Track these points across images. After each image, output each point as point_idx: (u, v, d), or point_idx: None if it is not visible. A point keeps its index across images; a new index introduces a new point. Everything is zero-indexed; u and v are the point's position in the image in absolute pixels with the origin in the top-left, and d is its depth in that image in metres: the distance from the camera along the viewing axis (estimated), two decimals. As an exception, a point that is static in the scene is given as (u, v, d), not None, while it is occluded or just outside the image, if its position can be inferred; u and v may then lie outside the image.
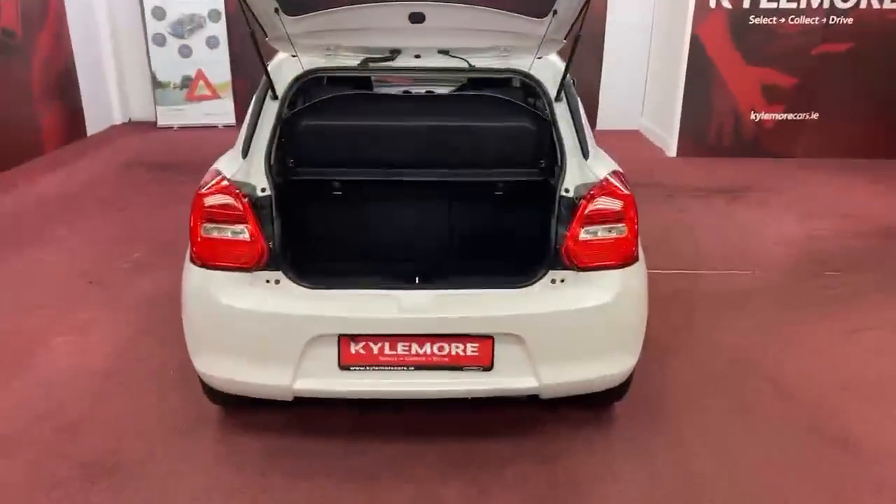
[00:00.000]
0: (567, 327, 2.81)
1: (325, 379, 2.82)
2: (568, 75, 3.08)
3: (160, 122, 9.59)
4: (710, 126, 8.21)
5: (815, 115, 8.14)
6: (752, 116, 8.17)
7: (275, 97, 3.05)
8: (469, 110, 3.17)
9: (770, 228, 5.95)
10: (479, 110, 3.16)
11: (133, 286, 4.68)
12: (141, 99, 9.86)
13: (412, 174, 3.18)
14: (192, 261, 2.81)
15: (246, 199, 2.78)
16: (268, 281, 2.81)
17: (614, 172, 2.98)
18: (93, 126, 9.20)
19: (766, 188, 7.06)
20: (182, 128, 9.55)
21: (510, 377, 2.83)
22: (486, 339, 2.79)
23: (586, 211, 2.79)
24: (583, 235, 2.78)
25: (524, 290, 2.82)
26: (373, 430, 3.18)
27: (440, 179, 3.22)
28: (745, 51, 7.91)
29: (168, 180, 7.21)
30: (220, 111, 9.57)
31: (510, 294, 2.82)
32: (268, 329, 2.77)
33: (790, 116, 8.16)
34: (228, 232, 2.76)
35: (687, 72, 8.02)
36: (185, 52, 9.40)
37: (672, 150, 8.35)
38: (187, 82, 9.51)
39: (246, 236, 2.75)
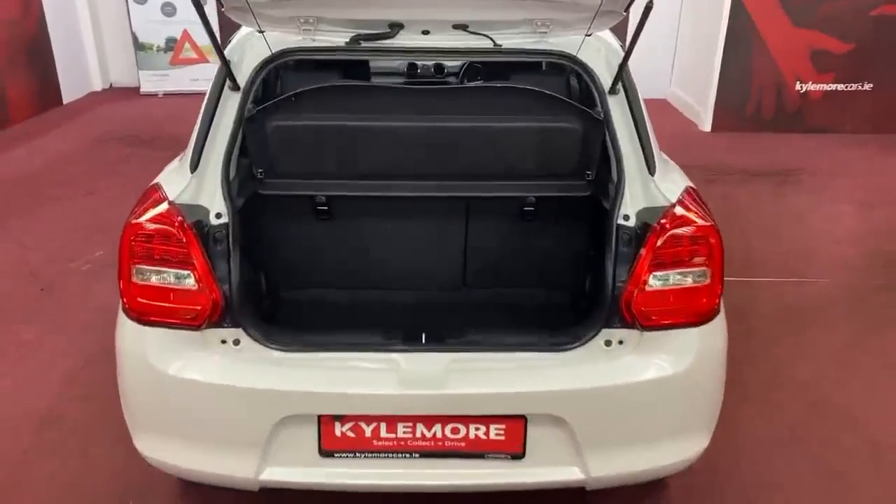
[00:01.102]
0: (625, 405, 2.10)
1: (301, 468, 2.13)
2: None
3: (143, 89, 8.77)
4: (749, 97, 7.37)
5: (868, 86, 7.28)
6: (798, 86, 7.32)
7: (235, 88, 2.29)
8: (493, 106, 2.39)
9: (829, 222, 5.18)
10: (506, 106, 2.38)
11: (89, 295, 3.98)
12: (122, 63, 9.01)
13: (418, 189, 2.44)
14: (125, 313, 2.09)
15: (194, 231, 2.04)
16: (224, 341, 2.09)
17: (688, 192, 2.23)
18: (69, 93, 8.39)
19: (817, 170, 6.26)
20: (167, 94, 8.73)
21: (547, 467, 2.14)
22: (517, 420, 2.08)
23: (656, 249, 2.04)
24: (652, 283, 2.05)
25: (569, 354, 2.10)
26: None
27: (454, 196, 2.48)
28: (792, 11, 7.02)
29: (147, 157, 6.44)
30: (209, 76, 8.63)
31: (550, 360, 2.10)
32: (223, 407, 2.07)
33: (841, 87, 7.30)
34: (169, 277, 2.03)
35: (725, 35, 7.15)
36: (169, 10, 8.52)
37: (706, 124, 7.52)
38: (172, 44, 8.65)
39: (192, 283, 2.02)
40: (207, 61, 8.69)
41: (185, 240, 2.02)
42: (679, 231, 2.06)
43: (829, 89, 7.31)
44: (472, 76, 2.99)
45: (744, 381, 3.24)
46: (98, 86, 9.01)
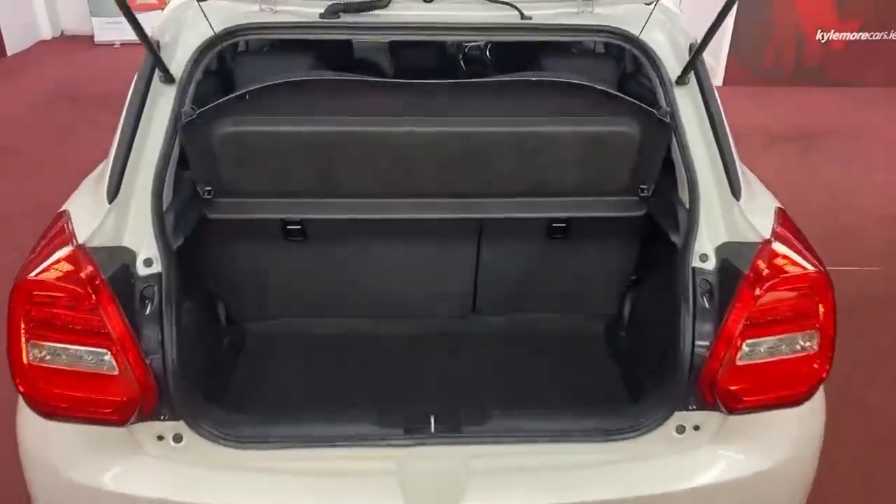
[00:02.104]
0: (702, 511, 1.58)
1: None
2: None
3: (98, 38, 7.93)
4: (765, 48, 6.73)
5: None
6: (819, 36, 6.69)
7: (168, 80, 1.67)
8: (521, 105, 1.75)
9: (867, 195, 4.64)
10: (538, 104, 1.76)
11: None
12: (74, 8, 8.14)
13: (419, 210, 1.86)
14: (26, 402, 1.51)
15: (111, 289, 1.45)
16: (160, 438, 1.53)
17: (782, 218, 1.67)
18: (14, 44, 7.54)
19: (843, 131, 5.70)
20: (125, 44, 7.89)
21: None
22: (560, 532, 1.56)
23: (752, 306, 1.49)
24: (745, 352, 1.50)
25: (629, 445, 1.56)
26: None
27: (467, 217, 1.90)
28: (815, -50, 6.36)
29: (101, 124, 5.69)
30: (171, 24, 7.88)
31: (603, 454, 1.56)
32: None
33: (866, 36, 6.68)
34: (79, 356, 1.45)
35: (741, -22, 6.47)
36: (123, -51, 7.62)
37: (717, 77, 6.88)
38: (128, -13, 7.78)
39: (110, 364, 1.44)
40: (168, 7, 7.84)
41: (97, 303, 1.43)
42: (782, 279, 1.51)
43: (853, 39, 6.69)
44: (493, 62, 2.34)
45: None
46: (47, 34, 8.15)
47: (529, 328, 2.27)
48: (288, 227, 1.98)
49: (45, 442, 1.53)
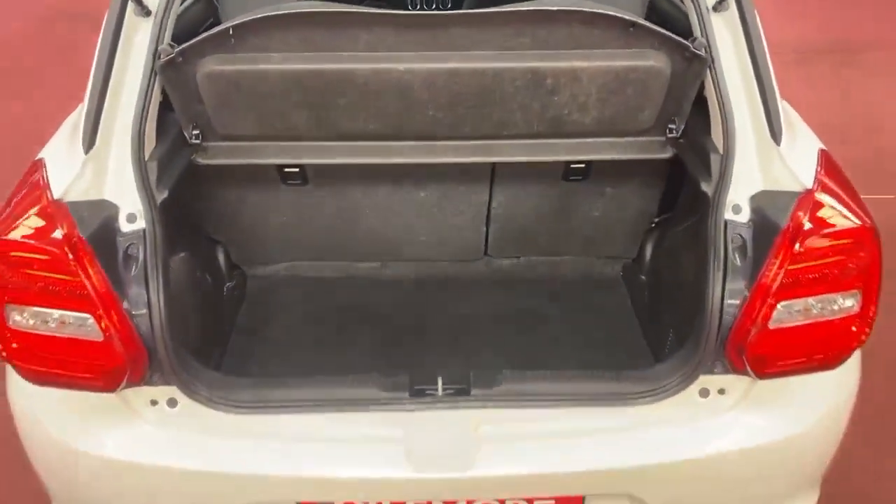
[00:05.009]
0: (724, 478, 1.50)
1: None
2: None
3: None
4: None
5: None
6: (863, -63, 6.19)
7: (144, 12, 1.50)
8: (535, 38, 1.55)
9: (905, 115, 4.38)
10: (554, 37, 1.55)
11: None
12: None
13: (427, 153, 1.71)
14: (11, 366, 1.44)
15: (92, 246, 1.35)
16: (154, 402, 1.46)
17: (826, 162, 1.51)
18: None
19: (887, 43, 5.32)
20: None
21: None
22: (572, 499, 1.49)
23: (790, 262, 1.35)
24: (779, 314, 1.37)
25: (648, 409, 1.46)
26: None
27: (478, 161, 1.75)
28: None
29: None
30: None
31: (622, 418, 1.47)
32: (160, 493, 1.47)
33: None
34: (60, 321, 1.36)
35: None
36: None
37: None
38: None
39: (93, 329, 1.35)
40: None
41: (76, 263, 1.33)
42: (824, 234, 1.37)
43: (900, -60, 6.20)
44: None
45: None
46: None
47: (542, 271, 2.16)
48: (285, 170, 1.85)
49: (38, 408, 1.46)
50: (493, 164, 1.90)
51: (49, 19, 5.97)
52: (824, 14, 5.83)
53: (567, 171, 1.89)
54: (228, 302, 2.02)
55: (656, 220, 2.04)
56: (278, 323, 2.00)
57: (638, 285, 2.06)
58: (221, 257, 2.05)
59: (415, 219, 2.05)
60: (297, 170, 1.84)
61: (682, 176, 1.77)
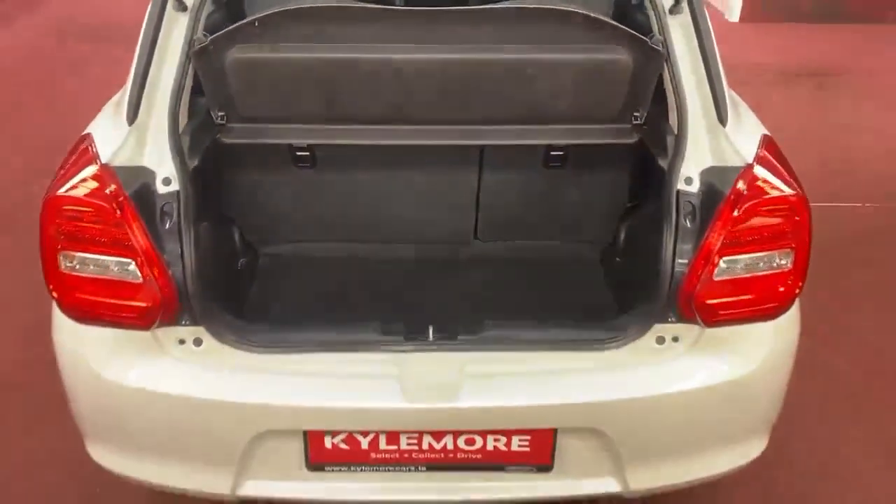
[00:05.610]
0: (678, 415, 1.72)
1: (286, 483, 1.78)
2: None
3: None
4: (784, -18, 6.62)
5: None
6: (840, -30, 6.56)
7: (181, 8, 1.75)
8: (518, 33, 1.82)
9: (874, 133, 4.65)
10: (535, 33, 1.82)
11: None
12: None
13: (422, 136, 1.94)
14: (60, 308, 1.66)
15: (134, 205, 1.58)
16: (182, 342, 1.68)
17: (767, 144, 1.75)
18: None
19: (860, 68, 5.66)
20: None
21: (579, 479, 1.79)
22: (545, 431, 1.71)
23: (730, 225, 1.59)
24: (722, 269, 1.61)
25: (611, 354, 1.69)
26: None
27: (467, 144, 1.99)
28: None
29: (114, 58, 5.79)
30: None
31: (588, 362, 1.69)
32: (185, 420, 1.69)
33: (888, -30, 6.54)
34: (106, 266, 1.58)
35: None
36: None
37: (734, 13, 6.81)
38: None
39: (134, 273, 1.58)
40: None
41: (122, 217, 1.56)
42: (760, 200, 1.60)
43: (875, -27, 6.57)
44: None
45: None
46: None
47: (528, 254, 2.38)
48: (297, 153, 2.09)
49: (80, 344, 1.67)
50: (482, 152, 2.14)
51: (62, 33, 6.27)
52: (805, 44, 6.18)
53: (547, 158, 2.13)
54: (242, 276, 2.24)
55: (629, 205, 2.28)
56: (286, 294, 2.22)
57: (614, 266, 2.28)
58: (236, 235, 2.27)
59: (411, 203, 2.28)
60: (307, 153, 2.08)
61: (649, 164, 2.01)
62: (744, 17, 6.75)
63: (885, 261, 3.39)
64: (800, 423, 2.44)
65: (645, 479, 1.78)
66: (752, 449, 1.86)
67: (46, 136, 4.35)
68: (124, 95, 1.75)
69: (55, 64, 5.64)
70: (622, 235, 2.28)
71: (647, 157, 1.97)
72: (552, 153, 2.12)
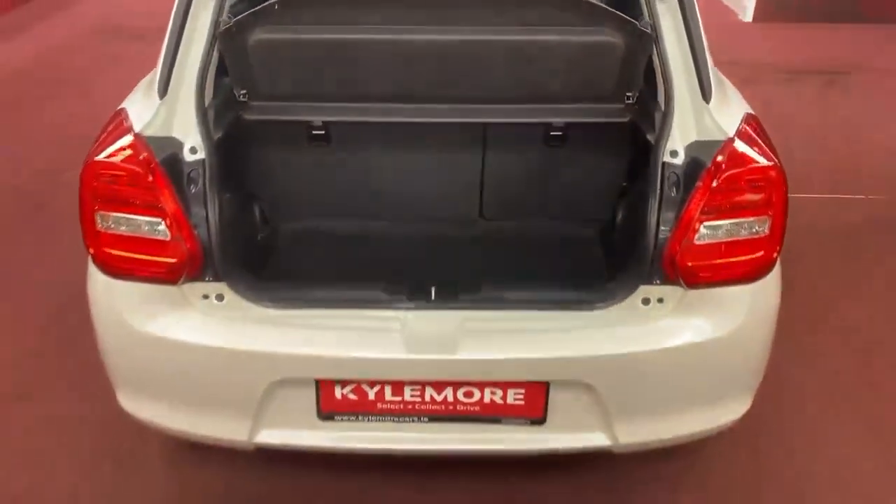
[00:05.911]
0: (663, 371, 1.85)
1: (298, 431, 1.94)
2: None
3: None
4: (798, -17, 6.69)
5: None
6: (854, -30, 6.63)
7: (208, -8, 1.92)
8: (518, 16, 1.98)
9: (882, 130, 4.73)
10: (533, 16, 1.97)
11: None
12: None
13: (429, 114, 2.09)
14: (94, 263, 1.83)
15: (164, 170, 1.74)
16: (205, 297, 1.84)
17: (749, 121, 1.88)
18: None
19: (870, 68, 5.72)
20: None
21: (570, 433, 1.93)
22: (538, 385, 1.85)
23: (710, 194, 1.72)
24: (702, 234, 1.73)
25: (601, 314, 1.82)
26: (376, 465, 2.32)
27: (470, 121, 2.13)
28: None
29: (147, 54, 6.02)
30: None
31: (578, 321, 1.83)
32: (207, 369, 1.85)
33: (902, -30, 6.60)
34: (138, 225, 1.75)
35: None
36: None
37: (747, 13, 6.89)
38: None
39: (164, 232, 1.74)
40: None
41: (153, 181, 1.72)
42: (738, 171, 1.73)
43: (888, -26, 6.62)
44: None
45: (784, 323, 2.98)
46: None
47: (531, 232, 2.51)
48: (313, 132, 2.24)
49: (113, 297, 1.84)
50: (485, 132, 2.28)
51: (98, 32, 6.51)
52: (814, 45, 6.26)
53: (547, 137, 2.27)
54: (262, 248, 2.40)
55: (624, 184, 2.41)
56: (301, 264, 2.37)
57: (610, 243, 2.41)
58: (257, 210, 2.43)
59: (420, 182, 2.43)
60: (322, 131, 2.24)
61: (643, 143, 2.14)
62: (757, 17, 6.83)
63: (891, 251, 3.49)
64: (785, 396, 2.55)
65: (633, 434, 1.91)
66: (735, 409, 1.98)
67: (77, 130, 4.58)
68: (155, 74, 1.91)
69: (88, 62, 5.87)
70: (619, 214, 2.41)
71: (641, 138, 2.10)
72: (551, 133, 2.26)
